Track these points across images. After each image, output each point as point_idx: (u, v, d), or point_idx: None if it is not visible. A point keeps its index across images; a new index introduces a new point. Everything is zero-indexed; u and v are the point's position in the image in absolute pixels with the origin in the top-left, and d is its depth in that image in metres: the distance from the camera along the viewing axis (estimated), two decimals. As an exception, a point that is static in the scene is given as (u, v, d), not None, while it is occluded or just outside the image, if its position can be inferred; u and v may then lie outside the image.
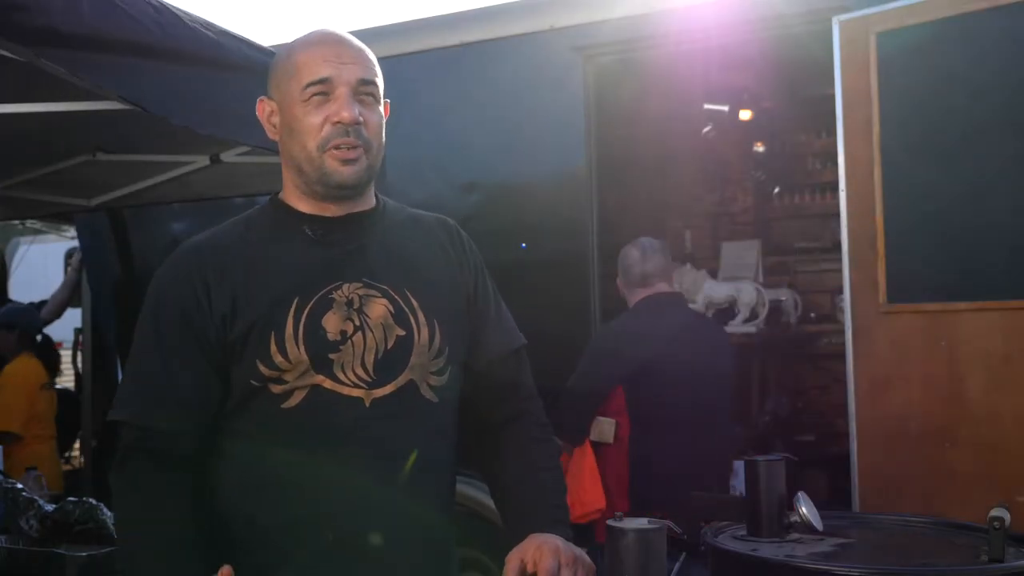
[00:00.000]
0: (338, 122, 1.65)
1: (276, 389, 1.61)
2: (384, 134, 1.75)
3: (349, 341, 1.64)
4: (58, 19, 2.08)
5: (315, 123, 1.66)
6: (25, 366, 5.39)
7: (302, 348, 1.62)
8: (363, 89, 1.69)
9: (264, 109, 1.75)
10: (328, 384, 1.62)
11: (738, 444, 4.01)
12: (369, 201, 1.79)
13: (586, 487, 3.33)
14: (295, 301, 1.64)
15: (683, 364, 3.46)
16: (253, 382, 1.62)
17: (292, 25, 36.45)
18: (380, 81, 1.73)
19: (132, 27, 2.28)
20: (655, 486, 3.31)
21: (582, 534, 1.82)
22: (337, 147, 1.66)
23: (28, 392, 5.34)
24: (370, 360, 1.65)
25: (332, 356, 1.63)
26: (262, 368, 1.61)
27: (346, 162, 1.67)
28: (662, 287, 3.62)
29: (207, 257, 1.69)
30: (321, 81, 1.66)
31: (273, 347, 1.61)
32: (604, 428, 3.37)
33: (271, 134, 1.76)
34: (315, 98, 1.66)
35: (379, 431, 1.64)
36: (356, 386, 1.63)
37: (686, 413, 3.44)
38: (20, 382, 5.34)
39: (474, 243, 1.89)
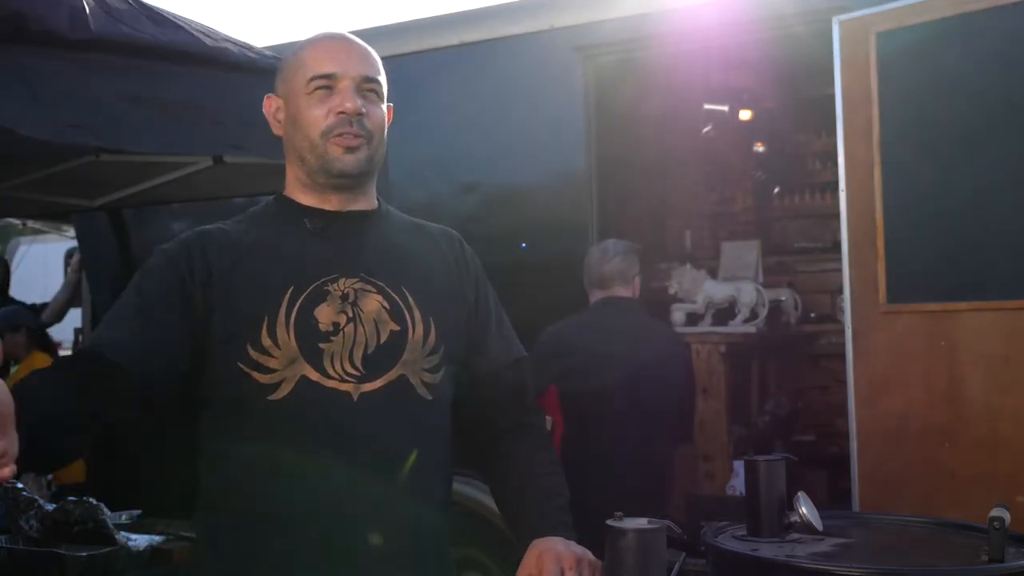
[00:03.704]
0: (341, 112, 1.69)
1: (264, 379, 1.61)
2: (386, 134, 1.78)
3: (341, 332, 1.65)
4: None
5: (319, 114, 1.70)
6: (44, 363, 5.42)
7: (292, 335, 1.63)
8: (366, 86, 1.73)
9: (270, 105, 1.79)
10: (315, 376, 1.62)
11: (677, 449, 3.99)
12: (371, 201, 1.81)
13: None
14: (290, 290, 1.66)
15: (619, 369, 3.46)
16: (241, 364, 1.62)
17: (292, 26, 36.50)
18: (383, 81, 1.77)
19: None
20: (585, 485, 3.34)
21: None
22: (340, 135, 1.69)
23: None
24: (359, 354, 1.65)
25: (322, 346, 1.64)
26: (251, 352, 1.61)
27: (348, 149, 1.70)
28: (619, 291, 3.61)
29: (210, 238, 1.72)
30: (326, 76, 1.70)
31: (264, 331, 1.62)
32: None
33: (276, 130, 1.79)
34: (319, 91, 1.70)
35: (367, 426, 1.64)
36: (344, 380, 1.63)
37: (618, 417, 3.45)
38: None
39: (475, 252, 1.90)
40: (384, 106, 1.77)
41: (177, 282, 1.65)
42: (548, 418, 3.38)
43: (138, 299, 1.66)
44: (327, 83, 1.70)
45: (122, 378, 1.56)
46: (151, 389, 1.61)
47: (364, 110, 1.70)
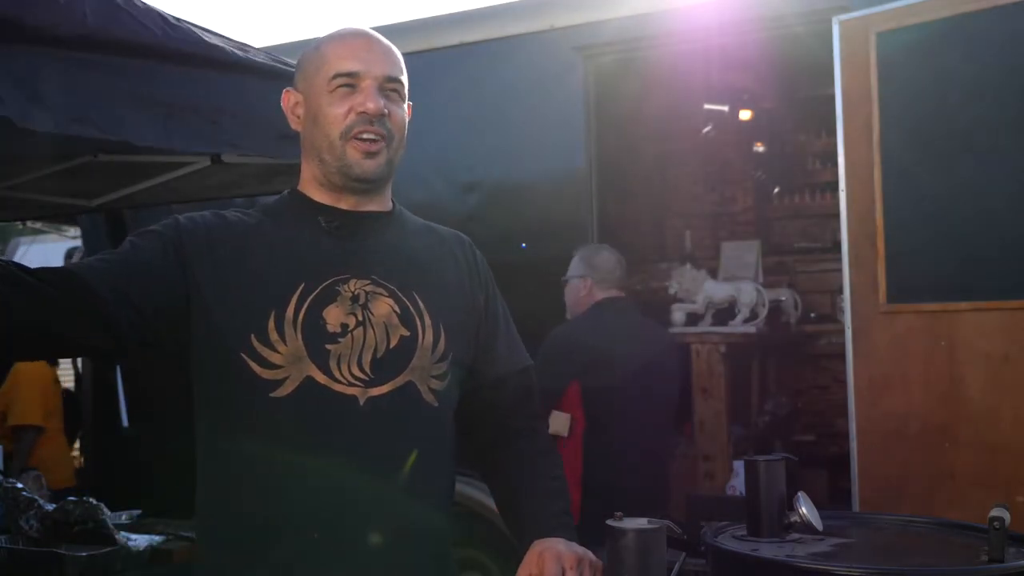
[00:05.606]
0: (363, 112, 1.66)
1: (267, 374, 1.60)
2: (406, 133, 1.76)
3: (349, 335, 1.63)
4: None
5: (339, 112, 1.67)
6: (34, 363, 5.43)
7: (299, 334, 1.61)
8: (389, 85, 1.71)
9: (289, 100, 1.77)
10: (321, 379, 1.61)
11: (677, 441, 4.22)
12: (386, 203, 1.79)
13: None
14: (300, 287, 1.64)
15: (634, 363, 3.56)
16: (243, 355, 1.60)
17: (293, 26, 36.48)
18: (406, 80, 1.75)
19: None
20: (608, 477, 3.43)
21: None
22: (360, 136, 1.67)
23: (43, 387, 5.42)
24: (368, 358, 1.64)
25: (329, 347, 1.62)
26: (256, 343, 1.60)
27: (368, 155, 1.68)
28: (621, 292, 3.77)
29: (225, 223, 1.70)
30: (348, 74, 1.68)
31: (271, 324, 1.60)
32: (560, 422, 3.49)
33: (294, 124, 1.78)
34: (341, 89, 1.68)
35: (373, 430, 1.62)
36: (351, 384, 1.62)
37: (636, 409, 3.57)
38: (34, 377, 5.40)
39: (485, 259, 1.89)
40: (406, 105, 1.75)
41: (173, 246, 1.62)
42: (566, 415, 3.47)
43: (129, 248, 1.63)
44: (349, 82, 1.68)
45: (89, 295, 1.51)
46: (116, 316, 1.53)
47: (387, 110, 1.68)
